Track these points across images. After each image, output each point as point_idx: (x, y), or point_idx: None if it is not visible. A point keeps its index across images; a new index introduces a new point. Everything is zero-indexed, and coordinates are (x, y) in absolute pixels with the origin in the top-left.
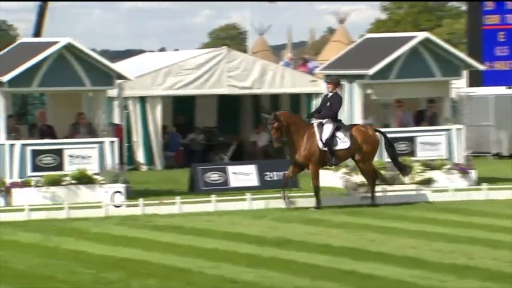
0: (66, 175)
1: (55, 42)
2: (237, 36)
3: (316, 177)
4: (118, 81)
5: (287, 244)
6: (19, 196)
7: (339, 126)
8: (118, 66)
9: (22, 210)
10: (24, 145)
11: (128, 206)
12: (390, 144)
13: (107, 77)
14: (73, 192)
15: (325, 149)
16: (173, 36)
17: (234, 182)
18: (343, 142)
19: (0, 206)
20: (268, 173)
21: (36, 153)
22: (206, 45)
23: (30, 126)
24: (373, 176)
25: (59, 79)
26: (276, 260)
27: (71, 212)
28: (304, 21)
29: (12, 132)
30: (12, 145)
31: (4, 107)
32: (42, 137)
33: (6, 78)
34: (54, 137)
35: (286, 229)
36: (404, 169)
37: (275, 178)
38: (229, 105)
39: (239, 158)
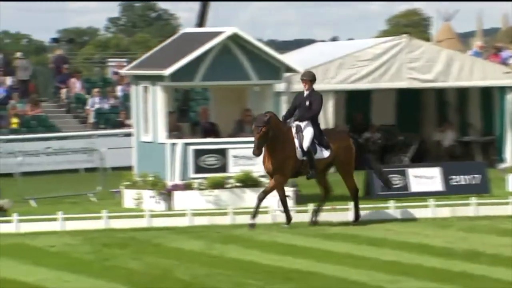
0: (230, 177)
1: (220, 32)
2: (419, 23)
3: (282, 188)
4: (286, 74)
5: (477, 257)
6: (181, 199)
7: (320, 131)
8: (287, 58)
9: (184, 215)
10: (186, 145)
11: (297, 212)
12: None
13: (275, 70)
14: (237, 196)
15: (304, 158)
16: (346, 24)
17: (415, 186)
18: (323, 150)
19: (161, 211)
20: (454, 176)
21: (198, 153)
22: (384, 33)
23: (192, 123)
24: (355, 192)
25: (223, 72)
26: (466, 275)
27: (236, 218)
28: (496, 5)
29: (174, 130)
30: (173, 144)
31: (165, 103)
32: (205, 136)
33: (167, 71)
34: (218, 136)
35: (476, 240)
36: (387, 183)
37: (462, 183)
38: (409, 100)
39: (420, 159)
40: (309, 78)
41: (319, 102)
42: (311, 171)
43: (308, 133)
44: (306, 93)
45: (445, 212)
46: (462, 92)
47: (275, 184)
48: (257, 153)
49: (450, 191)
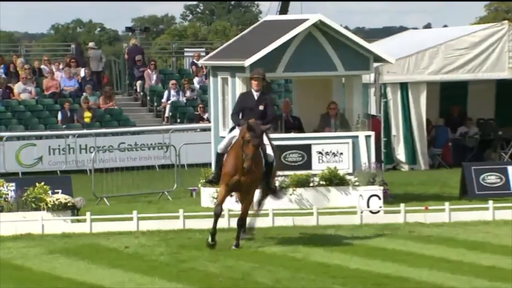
0: (314, 175)
1: (304, 20)
2: None
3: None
4: (376, 64)
5: None
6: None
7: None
8: (376, 47)
9: (265, 215)
10: None
11: (387, 212)
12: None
13: (363, 60)
14: (322, 195)
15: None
16: (440, 10)
17: None
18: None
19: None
20: None
21: (281, 149)
22: (482, 20)
23: None
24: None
25: (307, 62)
26: None
27: (321, 219)
28: None
29: None
30: None
31: None
32: (287, 131)
33: (248, 62)
34: (301, 131)
35: None
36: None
37: None
38: (510, 92)
39: None
40: (262, 76)
41: (273, 107)
42: (274, 186)
43: (267, 140)
44: (256, 94)
45: (507, 214)
46: None
47: (248, 205)
48: (249, 164)
49: None
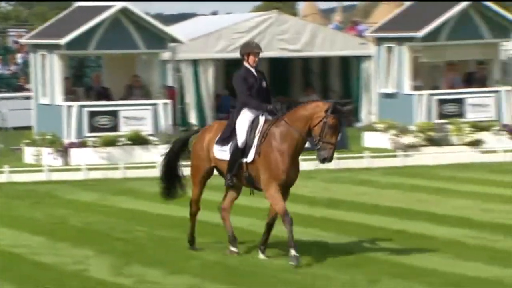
0: (121, 136)
1: (111, 6)
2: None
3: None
4: (171, 44)
5: (337, 204)
6: (77, 156)
7: None
8: (171, 30)
9: (79, 169)
10: (81, 107)
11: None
12: None
13: (161, 40)
14: (128, 152)
15: None
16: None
17: None
18: None
19: (58, 166)
20: None
21: (92, 114)
22: (258, 9)
23: (86, 88)
24: None
25: (115, 42)
26: (327, 220)
27: (127, 172)
28: None
29: (69, 94)
30: (69, 107)
31: (61, 70)
32: (98, 99)
33: (63, 40)
34: (110, 99)
35: (337, 190)
36: None
37: None
38: (279, 68)
39: None
40: (260, 50)
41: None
42: None
43: None
44: (253, 71)
45: (309, 165)
46: (325, 61)
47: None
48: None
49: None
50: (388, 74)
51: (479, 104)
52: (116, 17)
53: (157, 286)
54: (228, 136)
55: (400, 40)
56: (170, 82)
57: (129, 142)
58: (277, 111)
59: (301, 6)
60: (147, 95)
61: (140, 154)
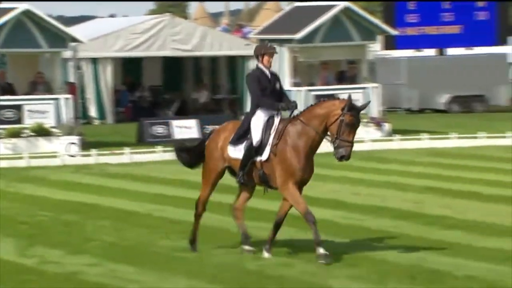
0: (25, 128)
1: (14, 8)
2: (180, 4)
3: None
4: (72, 44)
5: (225, 189)
6: None
7: None
8: (72, 30)
9: None
10: None
11: (83, 156)
12: None
13: (62, 40)
14: (32, 143)
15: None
16: (124, 3)
17: (177, 134)
18: None
19: None
20: (208, 126)
21: None
22: (153, 12)
23: None
24: None
25: (19, 41)
26: (217, 204)
27: (31, 161)
28: None
29: None
30: None
31: None
32: (3, 94)
33: None
34: (15, 94)
35: (225, 176)
36: None
37: None
38: (172, 66)
39: (182, 113)
40: (275, 51)
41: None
42: None
43: None
44: (267, 72)
45: None
46: (214, 60)
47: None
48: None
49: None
50: None
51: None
52: (19, 18)
53: (58, 265)
54: (242, 135)
55: (280, 42)
56: (71, 78)
57: (33, 133)
58: (291, 108)
59: (192, 10)
60: (49, 90)
61: (44, 144)
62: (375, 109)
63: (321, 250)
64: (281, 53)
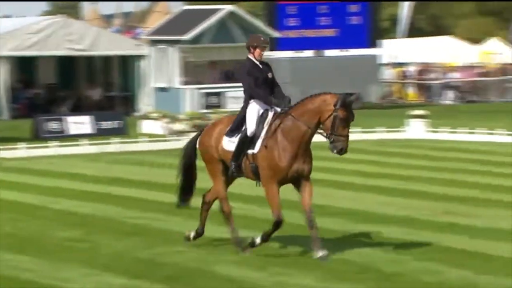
0: None
1: None
2: (74, 5)
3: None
4: None
5: (118, 182)
6: None
7: None
8: None
9: None
10: None
11: None
12: None
13: None
14: None
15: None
16: (19, 3)
17: (72, 130)
18: None
19: None
20: (102, 122)
21: None
22: (47, 13)
23: None
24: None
25: None
26: (110, 196)
27: None
28: None
29: None
30: None
31: None
32: None
33: None
34: None
35: (118, 170)
36: None
37: (108, 127)
38: (67, 65)
39: (77, 110)
40: (268, 45)
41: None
42: None
43: None
44: (258, 63)
45: (94, 149)
46: (107, 59)
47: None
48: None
49: (100, 133)
50: (161, 71)
51: (236, 96)
52: None
53: None
54: (237, 127)
55: (171, 42)
56: None
57: None
58: (285, 106)
59: (85, 11)
60: None
61: None
62: None
63: (247, 251)
64: (172, 53)
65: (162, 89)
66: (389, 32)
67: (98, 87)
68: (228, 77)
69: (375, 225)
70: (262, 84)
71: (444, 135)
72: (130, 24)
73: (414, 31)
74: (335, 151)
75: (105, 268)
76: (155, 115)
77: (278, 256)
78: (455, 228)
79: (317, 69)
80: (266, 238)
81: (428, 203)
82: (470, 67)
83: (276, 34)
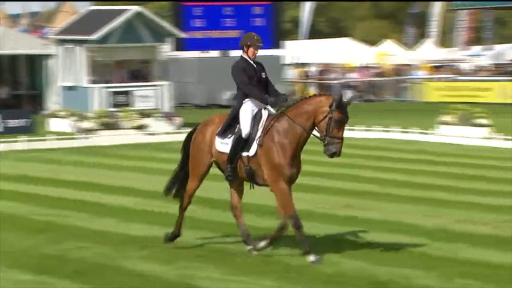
0: None
1: None
2: None
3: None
4: None
5: (26, 179)
6: None
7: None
8: None
9: None
10: None
11: None
12: None
13: None
14: None
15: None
16: None
17: None
18: None
19: None
20: (9, 120)
21: None
22: None
23: None
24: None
25: None
26: (18, 193)
27: None
28: None
29: None
30: None
31: None
32: None
33: None
34: None
35: (25, 167)
36: None
37: (16, 125)
38: None
39: None
40: (261, 44)
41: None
42: None
43: None
44: (251, 62)
45: (4, 147)
46: (14, 58)
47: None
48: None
49: (7, 132)
50: (68, 70)
51: (143, 95)
52: None
53: None
54: (229, 126)
55: (78, 42)
56: None
57: None
58: (280, 104)
59: None
60: None
61: None
62: (166, 105)
63: (312, 258)
64: (78, 52)
65: (70, 88)
66: (292, 33)
67: (5, 86)
68: (135, 76)
69: (277, 220)
70: (256, 83)
71: None
72: (37, 24)
73: (315, 33)
74: (328, 154)
75: (11, 265)
76: (63, 113)
77: (187, 250)
78: (354, 221)
79: (222, 69)
80: (306, 248)
81: (326, 197)
82: (367, 68)
83: (182, 34)
